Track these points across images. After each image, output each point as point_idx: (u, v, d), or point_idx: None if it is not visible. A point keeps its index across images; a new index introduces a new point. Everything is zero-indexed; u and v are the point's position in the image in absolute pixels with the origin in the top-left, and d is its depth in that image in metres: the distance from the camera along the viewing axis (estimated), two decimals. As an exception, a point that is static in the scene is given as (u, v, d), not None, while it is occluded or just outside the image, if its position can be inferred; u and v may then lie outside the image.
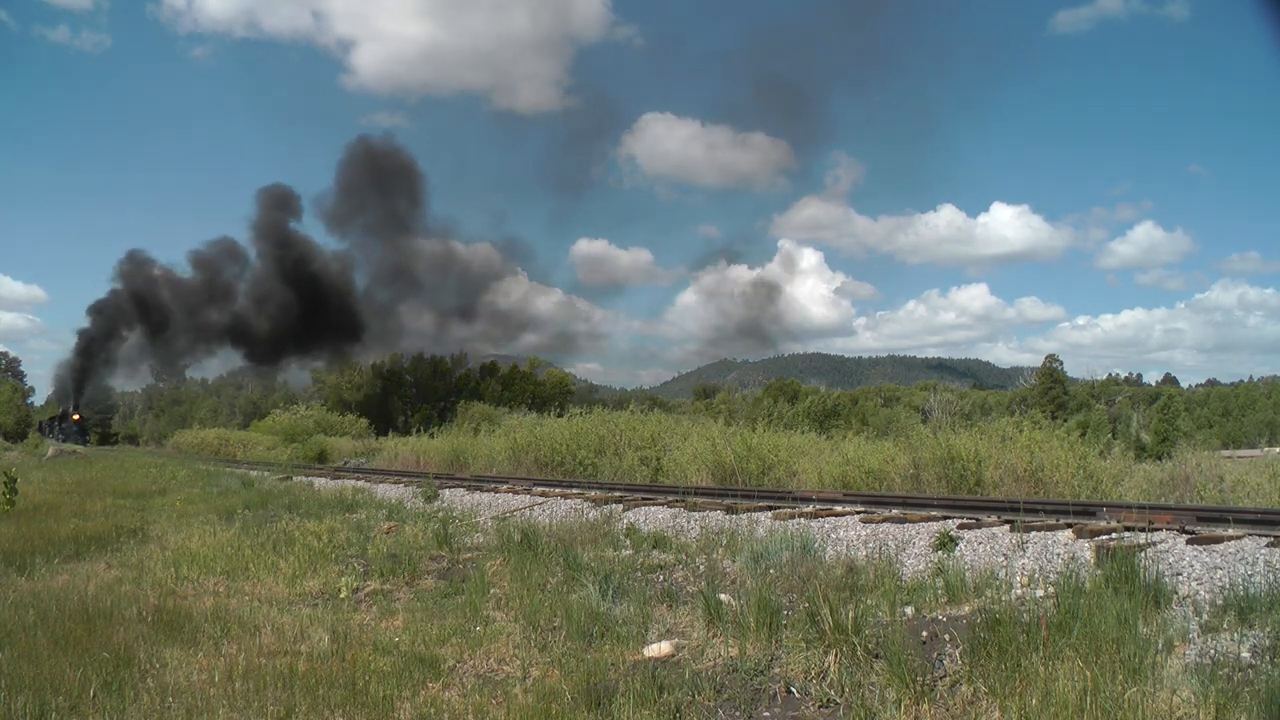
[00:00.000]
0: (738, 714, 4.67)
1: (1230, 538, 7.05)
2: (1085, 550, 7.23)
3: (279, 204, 69.00)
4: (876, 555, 7.95)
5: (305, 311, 62.51)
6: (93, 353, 65.72)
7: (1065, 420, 25.43)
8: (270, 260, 65.29)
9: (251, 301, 65.46)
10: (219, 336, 66.88)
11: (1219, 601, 5.62)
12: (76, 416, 64.17)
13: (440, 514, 13.10)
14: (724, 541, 8.96)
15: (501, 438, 23.98)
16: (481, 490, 16.11)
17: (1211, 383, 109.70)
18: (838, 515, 9.94)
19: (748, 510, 10.75)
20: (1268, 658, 4.60)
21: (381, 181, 72.89)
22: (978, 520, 8.82)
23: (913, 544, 8.42)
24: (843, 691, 4.68)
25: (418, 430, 33.89)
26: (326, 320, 63.84)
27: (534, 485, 16.13)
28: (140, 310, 64.94)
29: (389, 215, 73.54)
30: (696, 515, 10.80)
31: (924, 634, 5.32)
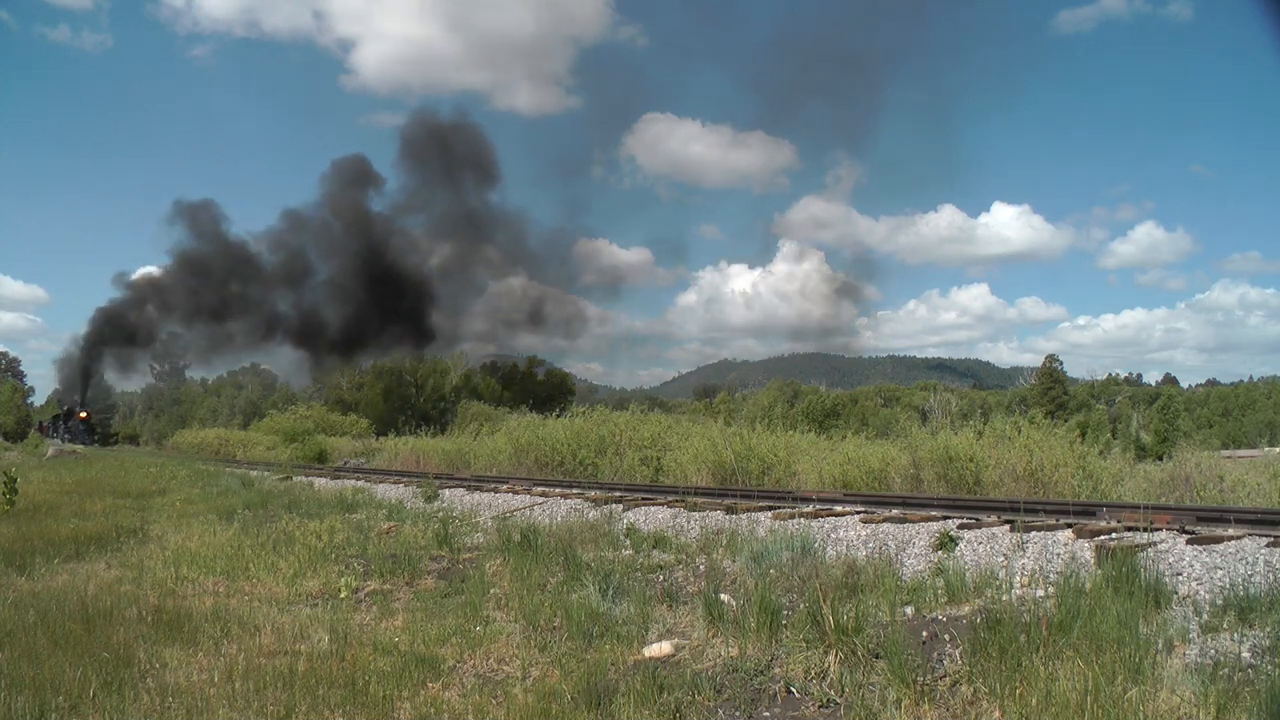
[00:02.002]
0: (738, 714, 4.67)
1: (1230, 538, 7.04)
2: (1085, 550, 7.23)
3: (355, 178, 60.28)
4: (876, 555, 7.95)
5: (381, 303, 54.70)
6: (107, 338, 58.08)
7: (1065, 420, 25.43)
8: (344, 243, 56.69)
9: (325, 289, 57.30)
10: (284, 327, 58.08)
11: (1219, 601, 5.62)
12: (84, 415, 59.24)
13: (440, 514, 13.09)
14: (724, 541, 8.95)
15: (502, 437, 23.98)
16: (481, 490, 16.10)
17: (1211, 383, 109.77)
18: (838, 515, 9.94)
19: (748, 510, 10.75)
20: (1268, 658, 4.60)
21: (449, 161, 63.87)
22: (978, 520, 8.82)
23: (913, 544, 8.42)
24: (843, 691, 4.68)
25: (418, 430, 33.88)
26: (400, 314, 55.81)
27: (534, 485, 16.13)
28: (199, 281, 55.64)
29: (458, 201, 64.93)
30: (696, 515, 10.80)
31: (924, 634, 5.32)
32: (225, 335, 60.30)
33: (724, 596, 6.36)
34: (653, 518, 11.31)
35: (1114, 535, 7.59)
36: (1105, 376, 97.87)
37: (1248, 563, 6.36)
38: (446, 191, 66.18)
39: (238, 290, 58.17)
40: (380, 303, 54.78)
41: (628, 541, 9.59)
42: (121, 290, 63.56)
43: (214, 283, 57.13)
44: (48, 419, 64.70)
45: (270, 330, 58.95)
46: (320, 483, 20.36)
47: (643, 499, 12.68)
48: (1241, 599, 5.39)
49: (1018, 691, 4.19)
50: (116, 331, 59.12)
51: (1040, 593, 6.03)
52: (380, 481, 20.04)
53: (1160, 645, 4.80)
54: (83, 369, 60.90)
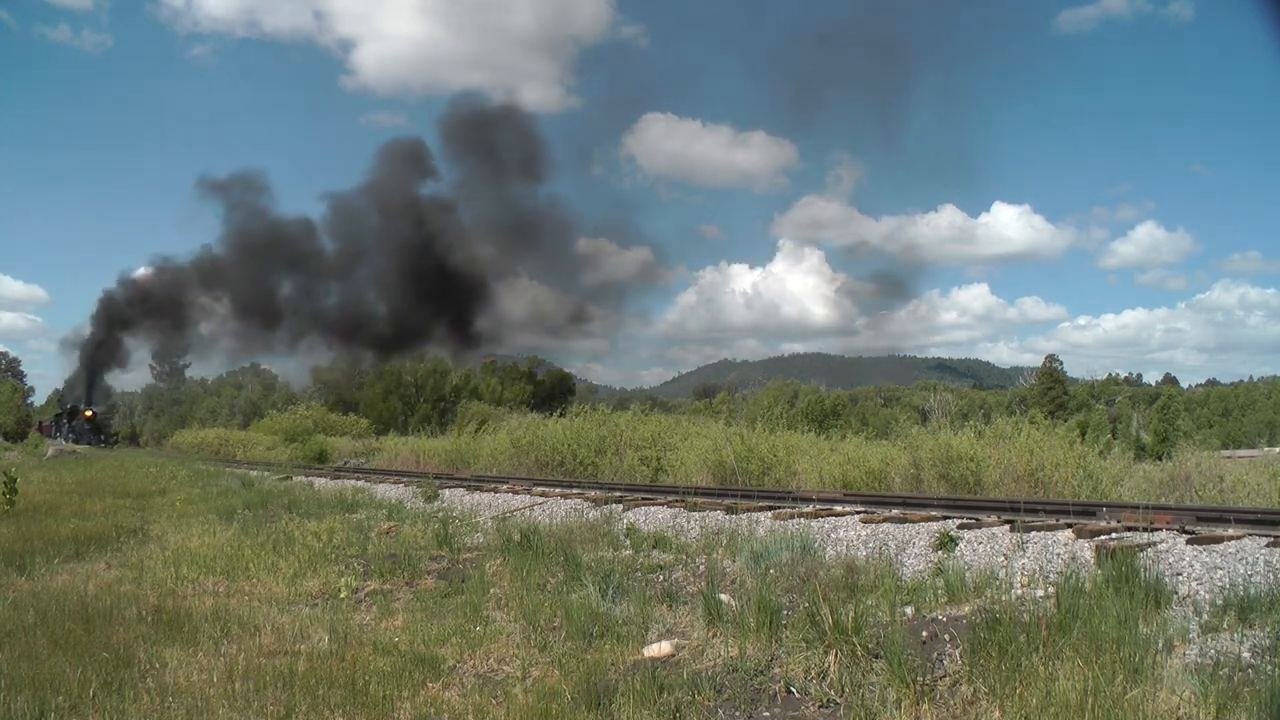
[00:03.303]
0: (738, 714, 4.67)
1: (1230, 538, 7.04)
2: (1085, 550, 7.23)
3: (409, 161, 55.12)
4: (876, 555, 7.95)
5: (431, 300, 50.16)
6: (131, 319, 53.09)
7: (1065, 420, 25.43)
8: (392, 234, 51.42)
9: (371, 282, 52.35)
10: (330, 322, 52.18)
11: (1219, 601, 5.62)
12: (89, 413, 55.20)
13: (440, 514, 13.09)
14: (724, 541, 8.95)
15: (503, 436, 23.99)
16: (481, 490, 16.10)
17: (1211, 383, 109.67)
18: (838, 515, 9.94)
19: (748, 510, 10.75)
20: (1268, 658, 4.60)
21: (492, 150, 58.35)
22: (978, 520, 8.82)
23: (913, 544, 8.42)
24: (843, 691, 4.68)
25: (418, 430, 33.86)
26: (449, 313, 51.30)
27: (534, 485, 16.13)
28: (246, 265, 50.24)
29: (501, 191, 60.92)
30: (696, 515, 10.80)
31: (924, 634, 5.32)
32: (266, 328, 54.48)
33: (724, 596, 6.36)
34: (653, 518, 11.31)
35: (1114, 535, 7.59)
36: (1105, 376, 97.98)
37: (1248, 563, 6.36)
38: (491, 187, 62.69)
39: (290, 278, 53.43)
40: (430, 300, 50.71)
41: (628, 541, 9.59)
42: (150, 272, 57.90)
43: (260, 268, 52.14)
44: (49, 418, 62.36)
45: (315, 324, 53.83)
46: (320, 483, 20.35)
47: (643, 499, 12.68)
48: (1241, 599, 5.39)
49: (1018, 691, 4.19)
50: (147, 313, 54.19)
51: (1040, 593, 6.03)
52: (380, 481, 20.04)
53: (1160, 645, 4.80)
54: (89, 361, 56.49)
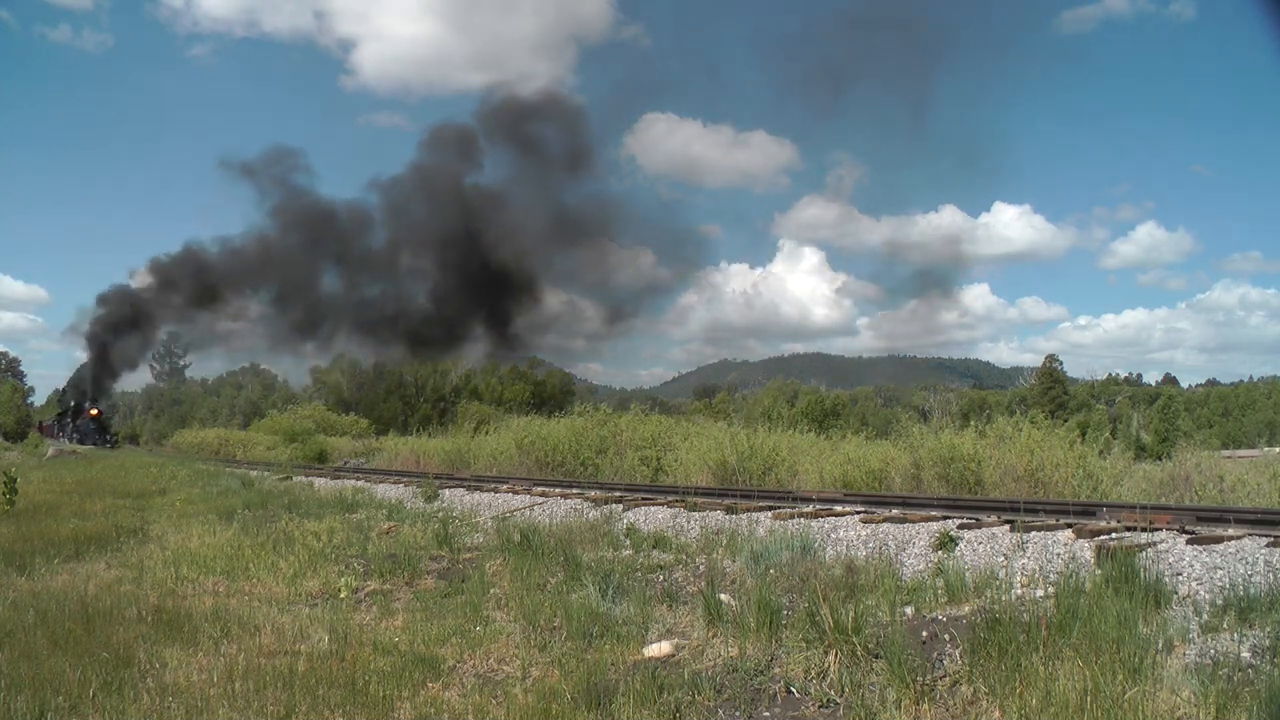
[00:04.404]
0: (738, 714, 4.67)
1: (1230, 538, 7.05)
2: (1085, 550, 7.23)
3: (457, 148, 49.87)
4: (876, 555, 7.95)
5: (475, 297, 45.75)
6: (154, 308, 49.20)
7: (1065, 420, 25.43)
8: (437, 224, 47.14)
9: (416, 271, 48.04)
10: (370, 315, 47.57)
11: (1219, 601, 5.62)
12: (95, 411, 52.08)
13: (440, 514, 13.10)
14: (724, 541, 8.95)
15: (506, 436, 24.01)
16: (481, 490, 16.10)
17: (1211, 382, 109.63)
18: (838, 515, 9.94)
19: (748, 510, 10.75)
20: (1268, 658, 4.60)
21: (534, 141, 53.96)
22: (978, 520, 8.82)
23: (913, 544, 8.42)
24: (843, 691, 4.68)
25: (418, 430, 33.87)
26: (492, 312, 46.72)
27: (534, 485, 16.13)
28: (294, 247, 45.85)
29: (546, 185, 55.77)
30: (696, 515, 10.80)
31: (924, 634, 5.32)
32: (307, 319, 49.39)
33: (724, 596, 6.36)
34: (653, 518, 11.31)
35: (1114, 535, 7.59)
36: (1105, 376, 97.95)
37: (1248, 563, 6.36)
38: (536, 180, 58.01)
39: (335, 266, 49.36)
40: (473, 296, 46.62)
41: (628, 541, 9.60)
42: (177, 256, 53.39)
43: (304, 253, 47.83)
44: (50, 417, 60.68)
45: (358, 317, 49.15)
46: (320, 483, 20.36)
47: (643, 499, 12.68)
48: (1241, 599, 5.39)
49: (1017, 691, 4.19)
50: (180, 295, 50.03)
51: (1040, 593, 6.03)
52: (380, 481, 20.04)
53: (1160, 645, 4.80)
54: (98, 353, 52.59)
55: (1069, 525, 8.05)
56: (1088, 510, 8.65)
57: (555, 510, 12.80)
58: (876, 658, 4.87)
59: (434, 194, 47.90)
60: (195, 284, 49.78)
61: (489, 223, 46.35)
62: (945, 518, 9.17)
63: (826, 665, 4.90)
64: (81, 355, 56.38)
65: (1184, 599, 5.92)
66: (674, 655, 5.53)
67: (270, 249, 48.01)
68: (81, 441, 48.63)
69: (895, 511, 9.78)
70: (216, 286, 49.82)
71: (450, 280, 45.91)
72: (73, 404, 54.80)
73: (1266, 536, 6.97)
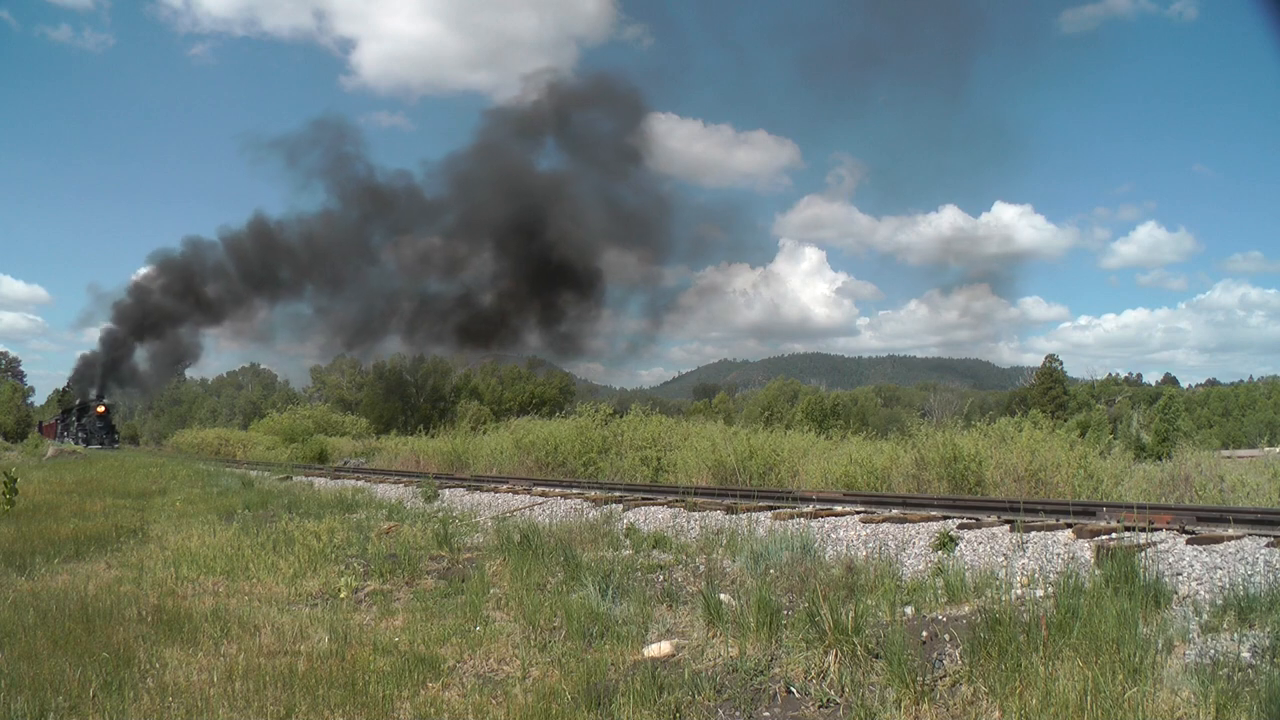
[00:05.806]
0: (738, 714, 4.66)
1: (1230, 538, 7.04)
2: (1085, 550, 7.23)
3: (517, 131, 47.21)
4: (876, 555, 7.95)
5: (536, 292, 43.42)
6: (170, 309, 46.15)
7: (1065, 420, 25.40)
8: (500, 212, 44.16)
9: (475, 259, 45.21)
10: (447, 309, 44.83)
11: (1219, 601, 5.62)
12: (102, 409, 49.42)
13: (440, 514, 13.10)
14: (724, 541, 8.95)
15: (506, 435, 24.02)
16: (481, 490, 16.11)
17: (1211, 382, 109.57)
18: (838, 515, 9.94)
19: (748, 510, 10.75)
20: (1268, 658, 4.60)
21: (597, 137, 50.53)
22: (978, 520, 8.82)
23: (913, 544, 8.42)
24: (843, 691, 4.68)
25: (418, 430, 33.88)
26: (552, 310, 44.17)
27: (534, 485, 16.13)
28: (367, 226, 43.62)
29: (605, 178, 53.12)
30: (696, 515, 10.80)
31: (924, 634, 5.32)
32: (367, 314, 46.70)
33: (724, 596, 6.36)
34: (653, 518, 11.31)
35: (1114, 535, 7.58)
36: (1105, 376, 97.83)
37: (1248, 563, 6.36)
38: (594, 172, 55.96)
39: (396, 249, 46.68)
40: (533, 289, 44.19)
41: (628, 541, 9.60)
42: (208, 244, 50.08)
43: (360, 232, 45.43)
44: (51, 417, 59.43)
45: (425, 309, 46.26)
46: (320, 483, 20.36)
47: (643, 499, 12.68)
48: (1241, 599, 5.39)
49: (1017, 691, 4.19)
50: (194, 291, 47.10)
51: (1040, 593, 6.03)
52: (380, 481, 20.04)
53: (1160, 645, 4.80)
54: (110, 346, 49.69)
55: (1069, 525, 8.04)
56: (1088, 510, 8.65)
57: (555, 510, 12.80)
58: (876, 658, 4.87)
59: (501, 177, 45.17)
60: (247, 273, 47.01)
61: (552, 214, 43.97)
62: (945, 518, 9.16)
63: (826, 665, 4.90)
64: (82, 350, 54.81)
65: (1184, 599, 5.92)
66: (674, 655, 5.53)
67: (319, 237, 45.58)
68: (88, 441, 47.09)
69: (895, 511, 9.78)
70: (267, 276, 47.36)
71: (510, 270, 43.64)
72: (78, 402, 52.89)
73: (1266, 536, 6.97)
